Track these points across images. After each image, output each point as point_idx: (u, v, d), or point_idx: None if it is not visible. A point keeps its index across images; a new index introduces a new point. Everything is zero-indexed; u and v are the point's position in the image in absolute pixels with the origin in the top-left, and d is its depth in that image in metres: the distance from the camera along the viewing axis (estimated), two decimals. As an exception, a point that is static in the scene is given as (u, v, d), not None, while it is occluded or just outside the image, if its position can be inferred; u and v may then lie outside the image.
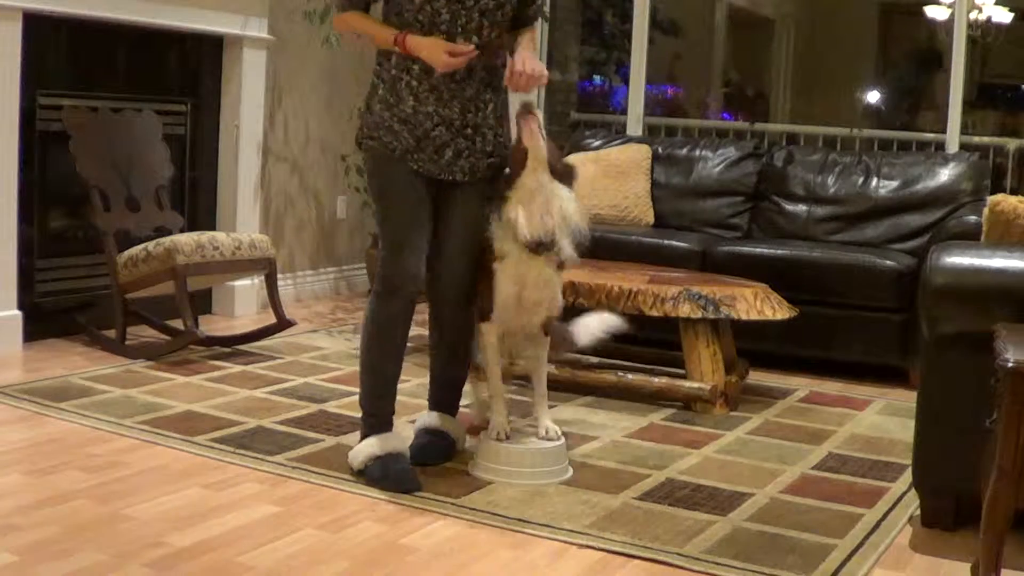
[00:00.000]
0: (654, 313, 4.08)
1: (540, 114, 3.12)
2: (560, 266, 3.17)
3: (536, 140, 3.06)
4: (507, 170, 3.14)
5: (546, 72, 3.08)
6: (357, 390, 3.24)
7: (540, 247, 3.07)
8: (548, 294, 3.17)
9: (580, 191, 3.23)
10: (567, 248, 3.13)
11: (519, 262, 3.10)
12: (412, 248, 3.09)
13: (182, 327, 4.47)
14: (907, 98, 9.54)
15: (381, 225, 3.15)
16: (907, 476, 3.16)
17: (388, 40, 3.04)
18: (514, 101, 3.22)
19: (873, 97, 9.57)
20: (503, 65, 3.10)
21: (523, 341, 3.31)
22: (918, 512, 3.01)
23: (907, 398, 4.06)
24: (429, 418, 3.37)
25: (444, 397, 3.40)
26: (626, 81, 6.69)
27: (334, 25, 3.25)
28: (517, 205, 3.06)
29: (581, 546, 2.73)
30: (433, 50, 2.98)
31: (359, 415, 3.23)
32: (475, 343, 3.35)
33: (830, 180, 5.28)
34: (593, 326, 3.72)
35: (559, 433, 3.28)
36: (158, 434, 3.43)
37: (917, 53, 9.38)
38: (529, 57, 3.05)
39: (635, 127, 6.44)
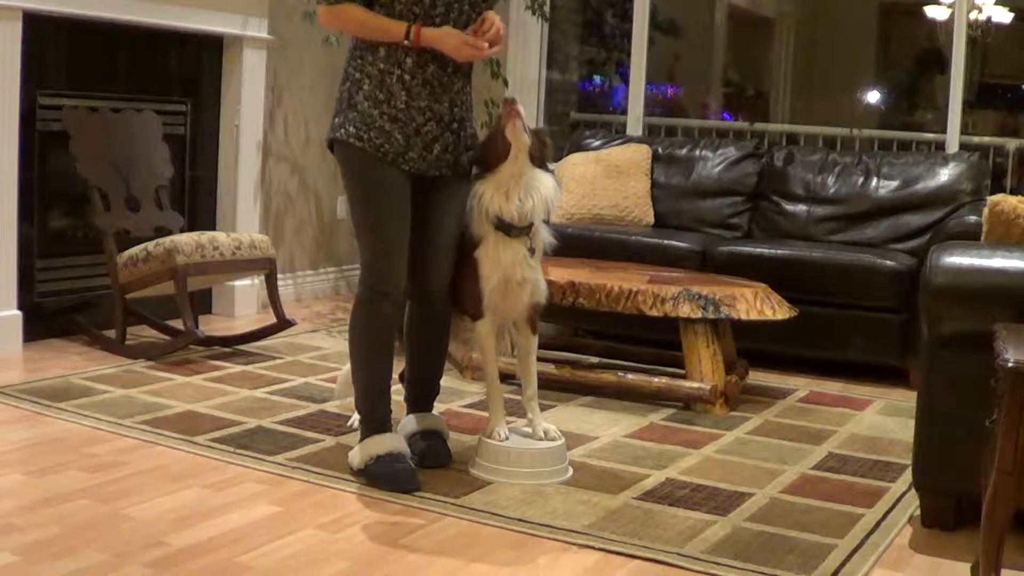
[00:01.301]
0: (654, 313, 4.08)
1: (522, 109, 3.14)
2: (536, 249, 3.17)
3: (520, 136, 3.09)
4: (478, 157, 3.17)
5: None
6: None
7: (505, 226, 3.09)
8: (531, 275, 3.17)
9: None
10: (544, 231, 3.18)
11: (496, 243, 3.12)
12: (399, 252, 3.07)
13: (182, 327, 4.47)
14: (907, 98, 9.53)
15: (367, 231, 3.07)
16: (907, 476, 3.16)
17: (398, 33, 2.97)
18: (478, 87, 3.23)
19: (873, 97, 9.55)
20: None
21: (515, 332, 3.31)
22: (918, 512, 3.01)
23: (907, 398, 4.06)
24: (421, 421, 3.34)
25: (424, 395, 3.39)
26: (626, 81, 6.69)
27: (321, 19, 3.11)
28: (488, 183, 3.10)
29: (581, 546, 2.73)
30: (454, 40, 2.97)
31: (358, 415, 3.23)
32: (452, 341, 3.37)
33: (830, 180, 5.28)
34: None
35: (559, 433, 3.28)
36: (158, 434, 3.43)
37: (917, 53, 9.37)
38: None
39: (635, 127, 6.44)
